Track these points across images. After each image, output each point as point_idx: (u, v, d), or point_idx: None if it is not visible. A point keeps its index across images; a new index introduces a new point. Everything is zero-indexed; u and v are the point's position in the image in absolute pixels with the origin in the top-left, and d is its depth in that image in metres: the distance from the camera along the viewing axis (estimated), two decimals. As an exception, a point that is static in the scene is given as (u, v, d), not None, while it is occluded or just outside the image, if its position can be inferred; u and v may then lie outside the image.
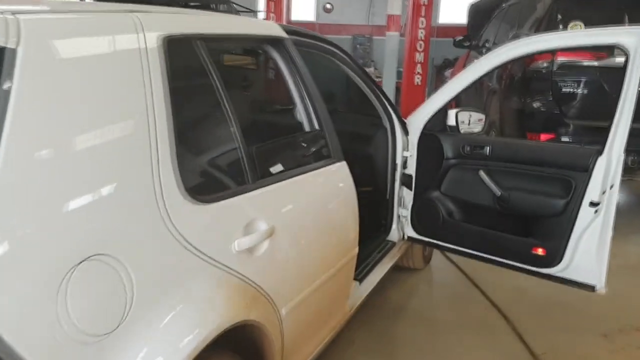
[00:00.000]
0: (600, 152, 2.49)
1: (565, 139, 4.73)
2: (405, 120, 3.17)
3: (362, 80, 2.87)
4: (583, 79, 4.69)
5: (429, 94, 9.72)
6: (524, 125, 4.95)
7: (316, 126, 2.22)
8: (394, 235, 3.24)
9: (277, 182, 1.83)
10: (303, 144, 2.15)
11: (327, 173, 2.18)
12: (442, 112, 3.00)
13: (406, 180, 3.18)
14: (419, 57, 7.43)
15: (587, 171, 2.51)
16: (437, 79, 10.80)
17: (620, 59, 4.74)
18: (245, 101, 2.14)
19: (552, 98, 4.76)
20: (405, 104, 7.77)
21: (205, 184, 1.66)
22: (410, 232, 3.22)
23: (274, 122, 2.64)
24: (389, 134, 3.14)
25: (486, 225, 2.86)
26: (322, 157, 2.20)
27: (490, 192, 2.78)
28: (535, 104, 4.89)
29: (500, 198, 2.75)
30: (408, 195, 3.19)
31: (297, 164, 2.05)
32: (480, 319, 3.16)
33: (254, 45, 2.44)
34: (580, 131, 4.70)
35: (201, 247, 1.44)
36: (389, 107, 3.07)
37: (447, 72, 9.42)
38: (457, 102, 3.31)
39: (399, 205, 3.24)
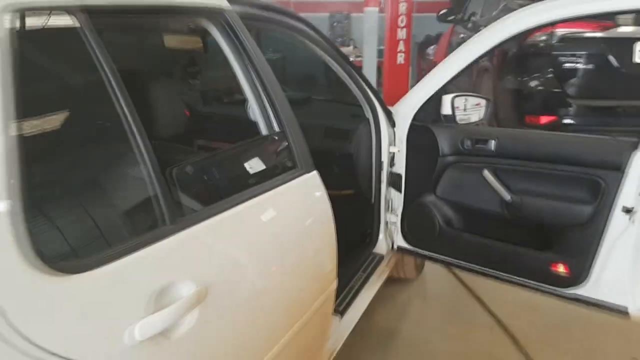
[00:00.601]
0: (635, 146, 1.99)
1: (567, 120, 4.24)
2: (391, 110, 2.64)
3: (337, 62, 2.31)
4: (587, 53, 4.19)
5: (413, 74, 9.17)
6: (522, 107, 4.44)
7: (276, 127, 1.67)
8: (381, 246, 2.72)
9: (214, 215, 1.27)
10: (256, 154, 1.60)
11: (291, 190, 1.62)
12: (435, 99, 2.47)
13: (394, 181, 2.65)
14: (401, 33, 6.84)
15: (619, 170, 2.00)
16: (420, 57, 10.24)
17: (627, 29, 4.26)
18: (169, 103, 1.57)
19: (552, 75, 4.25)
20: (388, 85, 7.21)
21: (76, 240, 1.11)
22: (400, 241, 2.71)
23: (214, 126, 2.09)
24: (371, 126, 2.60)
25: (493, 237, 2.35)
26: (284, 169, 1.66)
27: (498, 197, 2.26)
28: (534, 83, 4.39)
29: (510, 204, 2.23)
30: (397, 199, 2.67)
31: (247, 184, 1.50)
32: (485, 346, 2.65)
33: (179, 20, 1.87)
34: (585, 112, 4.20)
35: (64, 351, 0.88)
36: (370, 94, 2.52)
37: (430, 49, 8.87)
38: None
39: (387, 210, 2.71)
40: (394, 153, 2.64)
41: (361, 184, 2.72)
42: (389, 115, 2.61)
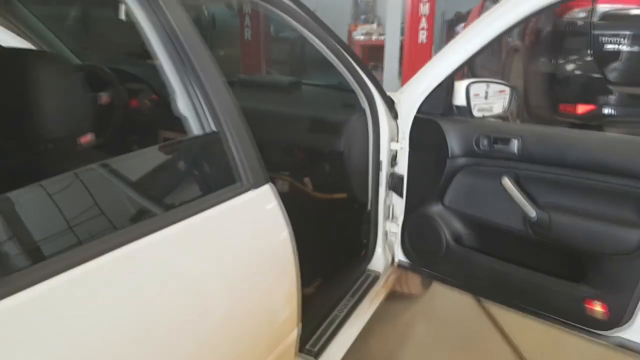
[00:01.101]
0: None
1: (608, 110, 3.70)
2: (394, 98, 2.17)
3: (321, 39, 1.85)
4: (632, 33, 3.63)
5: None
6: (556, 94, 3.90)
7: (210, 126, 1.22)
8: (378, 261, 2.27)
9: (80, 263, 0.83)
10: (172, 165, 1.16)
11: (227, 214, 1.17)
12: (445, 86, 1.99)
13: (395, 184, 2.20)
14: (424, 8, 6.29)
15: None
16: (448, 36, 9.64)
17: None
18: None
19: (591, 58, 3.71)
20: (409, 67, 6.69)
21: None
22: (400, 255, 2.26)
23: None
24: (368, 119, 2.14)
25: (512, 260, 1.89)
26: (219, 185, 1.21)
27: (520, 211, 1.79)
28: (570, 66, 3.84)
29: (535, 221, 1.76)
30: (399, 205, 2.22)
31: (150, 210, 1.06)
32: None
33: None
34: (628, 101, 3.66)
35: None
36: (366, 80, 2.06)
37: (460, 28, 8.29)
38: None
39: (386, 218, 2.26)
40: (396, 150, 2.18)
41: (355, 187, 2.27)
42: (390, 105, 2.15)
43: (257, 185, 1.27)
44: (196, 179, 1.24)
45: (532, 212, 1.75)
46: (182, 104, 1.21)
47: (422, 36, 6.42)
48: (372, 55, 10.21)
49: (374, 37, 10.19)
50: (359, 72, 2.01)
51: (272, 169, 2.55)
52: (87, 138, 2.11)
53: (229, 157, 1.22)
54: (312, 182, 2.56)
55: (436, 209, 2.05)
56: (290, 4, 1.72)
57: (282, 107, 2.45)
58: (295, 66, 9.31)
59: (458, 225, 2.02)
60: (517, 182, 1.81)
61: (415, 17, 6.39)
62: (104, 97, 2.37)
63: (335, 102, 2.40)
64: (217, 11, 7.38)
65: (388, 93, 2.20)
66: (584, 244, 1.72)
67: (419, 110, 2.04)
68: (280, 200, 1.33)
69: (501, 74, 4.84)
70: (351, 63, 1.97)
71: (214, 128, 1.21)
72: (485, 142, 1.88)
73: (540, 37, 4.14)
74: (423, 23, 6.38)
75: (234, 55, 7.06)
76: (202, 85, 1.19)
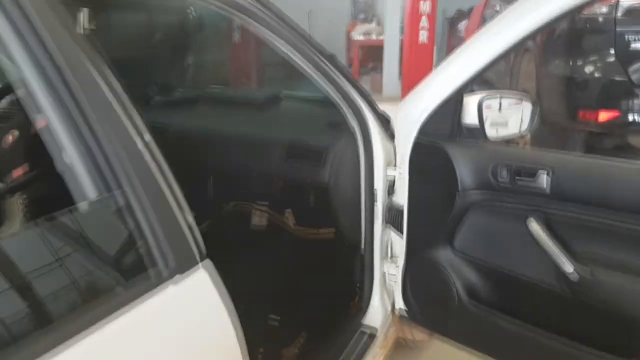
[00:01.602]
0: None
1: (632, 117, 3.29)
2: (389, 117, 1.78)
3: (292, 46, 1.46)
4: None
5: (439, 58, 8.16)
6: (573, 99, 3.50)
7: (112, 187, 0.82)
8: (375, 314, 1.87)
9: None
10: (43, 253, 0.75)
11: (136, 324, 0.77)
12: (452, 102, 1.59)
13: (394, 217, 1.80)
14: (424, 6, 5.89)
15: None
16: (449, 35, 9.23)
17: None
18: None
19: (614, 58, 3.30)
20: (409, 68, 6.29)
21: None
22: (401, 303, 1.86)
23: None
24: (358, 141, 1.75)
25: (543, 325, 1.48)
26: (123, 277, 0.81)
27: (551, 264, 1.39)
28: (590, 67, 3.43)
29: (573, 277, 1.36)
30: (398, 242, 1.82)
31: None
32: None
33: None
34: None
35: None
36: (354, 95, 1.66)
37: (461, 25, 7.89)
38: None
39: (383, 258, 1.86)
40: (394, 178, 1.78)
41: (344, 222, 1.88)
42: (386, 125, 1.76)
43: (183, 268, 0.86)
44: (114, 265, 0.84)
45: (568, 267, 1.35)
46: (65, 151, 0.80)
47: (423, 36, 6.02)
48: (372, 56, 9.85)
49: (373, 37, 9.80)
50: (343, 86, 1.61)
51: (246, 198, 2.07)
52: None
53: (135, 232, 0.81)
54: (295, 215, 2.17)
55: (444, 253, 1.65)
56: (248, 2, 1.32)
57: (254, 128, 2.06)
58: (291, 68, 8.90)
59: (472, 276, 1.62)
60: (548, 226, 1.40)
61: (415, 16, 5.99)
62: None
63: (320, 121, 2.00)
64: (205, 12, 6.97)
65: (382, 106, 1.81)
66: (636, 310, 1.31)
67: (420, 132, 1.63)
68: (221, 283, 0.92)
69: (509, 77, 4.43)
70: (332, 74, 1.57)
71: (114, 188, 0.81)
72: (505, 173, 1.48)
73: (555, 35, 3.73)
74: (423, 22, 5.98)
75: (223, 59, 6.66)
76: (89, 124, 0.79)
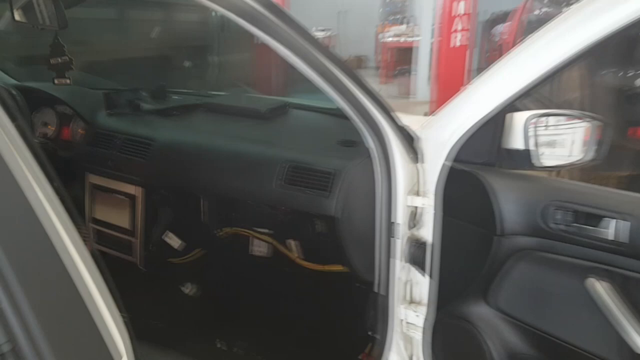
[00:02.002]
0: None
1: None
2: (414, 134, 1.48)
3: (297, 52, 1.16)
4: None
5: (478, 61, 7.76)
6: (627, 112, 3.14)
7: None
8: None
9: None
10: None
11: None
12: (493, 123, 1.28)
13: (416, 255, 1.50)
14: (459, 7, 5.54)
15: None
16: (484, 39, 8.85)
17: None
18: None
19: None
20: (440, 75, 5.95)
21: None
22: None
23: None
24: (375, 163, 1.45)
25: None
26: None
27: (616, 337, 1.07)
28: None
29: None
30: (422, 284, 1.52)
31: None
32: None
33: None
34: None
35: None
36: (374, 109, 1.36)
37: (499, 29, 7.50)
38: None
39: (402, 302, 1.56)
40: (417, 208, 1.48)
41: (353, 260, 1.58)
42: (409, 143, 1.45)
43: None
44: None
45: (638, 343, 1.03)
46: None
47: (456, 39, 5.67)
48: (402, 59, 9.58)
49: (404, 39, 9.49)
50: (358, 97, 1.31)
51: (243, 224, 1.73)
52: None
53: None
54: (298, 245, 1.88)
55: (477, 309, 1.34)
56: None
57: (253, 144, 1.77)
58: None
59: (511, 340, 1.30)
60: (615, 289, 1.09)
61: (448, 18, 5.65)
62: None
63: (330, 137, 1.71)
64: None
65: (404, 120, 1.51)
66: None
67: (452, 155, 1.33)
68: None
69: (549, 87, 4.07)
70: (345, 83, 1.28)
71: None
72: (560, 215, 1.17)
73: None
74: (457, 24, 5.63)
75: (245, 60, 6.37)
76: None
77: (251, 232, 1.91)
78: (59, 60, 1.72)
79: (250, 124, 1.93)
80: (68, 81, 1.82)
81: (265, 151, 1.70)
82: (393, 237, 1.49)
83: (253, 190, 1.69)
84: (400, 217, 1.48)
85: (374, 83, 10.03)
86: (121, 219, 1.94)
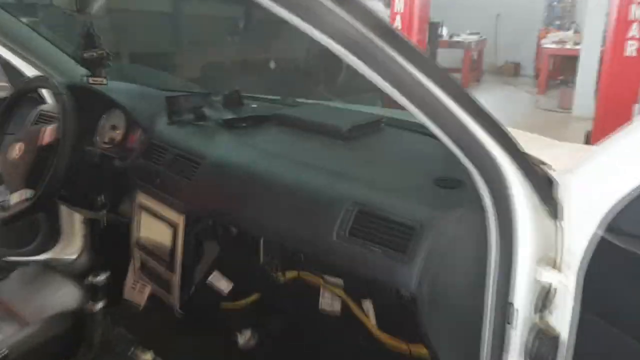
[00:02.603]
0: None
1: None
2: (553, 178, 0.99)
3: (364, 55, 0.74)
4: None
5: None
6: None
7: None
8: None
9: None
10: None
11: None
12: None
13: (544, 353, 1.01)
14: (637, 11, 4.70)
15: None
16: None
17: None
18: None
19: None
20: (607, 88, 5.11)
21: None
22: None
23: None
24: (489, 218, 0.98)
25: None
26: None
27: None
28: None
29: None
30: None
31: None
32: None
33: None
34: None
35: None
36: (489, 139, 0.89)
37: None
38: None
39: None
40: (550, 286, 1.00)
41: (445, 351, 1.11)
42: (544, 190, 0.98)
43: None
44: None
45: None
46: None
47: (631, 47, 4.82)
48: (564, 68, 8.70)
49: (568, 46, 8.57)
50: (465, 124, 0.86)
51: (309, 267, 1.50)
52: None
53: None
54: (376, 309, 1.41)
55: None
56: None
57: (318, 176, 1.32)
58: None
59: None
60: None
61: (622, 23, 4.83)
62: (47, 132, 1.51)
63: (426, 172, 1.23)
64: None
65: (555, 151, 1.04)
66: None
67: (611, 223, 0.84)
68: None
69: None
70: (445, 104, 0.83)
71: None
72: None
73: None
74: (634, 30, 4.78)
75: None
76: None
77: (321, 280, 1.49)
78: (94, 54, 1.45)
79: (326, 144, 1.51)
80: (104, 80, 1.55)
81: (332, 185, 1.26)
82: (509, 323, 1.02)
83: (305, 239, 1.26)
84: (523, 296, 1.01)
85: (529, 93, 9.17)
86: (162, 249, 1.62)
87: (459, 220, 1.06)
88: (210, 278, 1.64)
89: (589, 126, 5.37)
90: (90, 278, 1.32)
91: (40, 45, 1.92)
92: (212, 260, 1.65)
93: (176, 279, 1.59)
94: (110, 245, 1.94)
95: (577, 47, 7.56)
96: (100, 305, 1.33)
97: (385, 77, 0.77)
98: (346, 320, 1.47)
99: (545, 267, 1.01)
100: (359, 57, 0.73)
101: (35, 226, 2.06)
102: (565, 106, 7.36)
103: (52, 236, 2.04)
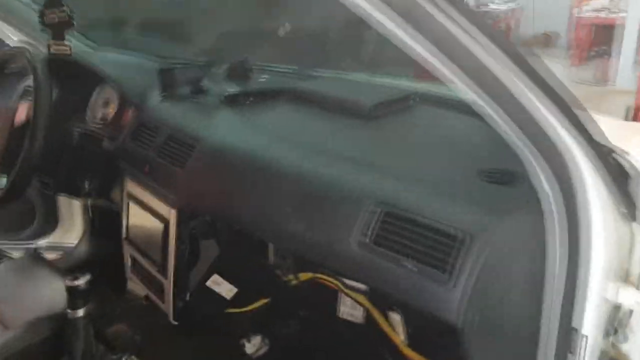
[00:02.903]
0: None
1: None
2: (631, 166, 0.76)
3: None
4: None
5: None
6: None
7: None
8: None
9: None
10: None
11: None
12: None
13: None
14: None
15: None
16: None
17: None
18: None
19: None
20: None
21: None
22: None
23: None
24: (555, 223, 0.76)
25: None
26: None
27: None
28: None
29: None
30: None
31: None
32: None
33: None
34: None
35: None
36: (556, 123, 0.66)
37: None
38: None
39: None
40: (627, 308, 0.79)
41: None
42: (620, 183, 0.75)
43: None
44: None
45: None
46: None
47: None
48: (601, 38, 8.24)
49: (604, 14, 8.11)
50: (525, 103, 0.64)
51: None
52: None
53: None
54: (405, 322, 1.17)
55: None
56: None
57: (335, 165, 1.07)
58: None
59: None
60: None
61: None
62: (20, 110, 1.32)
63: (470, 161, 0.97)
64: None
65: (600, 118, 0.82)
66: None
67: None
68: None
69: None
70: (500, 72, 0.61)
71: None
72: None
73: None
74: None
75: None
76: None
77: (339, 283, 1.25)
78: (55, 17, 1.24)
79: (347, 125, 1.27)
80: (67, 49, 1.34)
81: (352, 179, 1.02)
82: (571, 353, 0.81)
83: (317, 245, 1.03)
84: (590, 320, 0.79)
85: (564, 66, 8.74)
86: (152, 247, 1.41)
87: (518, 228, 0.83)
88: (208, 282, 1.42)
89: (630, 101, 5.04)
90: (67, 281, 1.12)
91: (23, 10, 1.72)
92: (211, 262, 1.44)
93: (169, 283, 1.38)
94: (112, 232, 1.76)
95: (616, 15, 7.17)
96: (81, 313, 1.14)
97: (431, 41, 0.56)
98: (369, 331, 1.25)
99: (618, 283, 0.80)
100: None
101: (31, 210, 1.90)
102: (604, 79, 7.00)
103: (49, 221, 1.87)
